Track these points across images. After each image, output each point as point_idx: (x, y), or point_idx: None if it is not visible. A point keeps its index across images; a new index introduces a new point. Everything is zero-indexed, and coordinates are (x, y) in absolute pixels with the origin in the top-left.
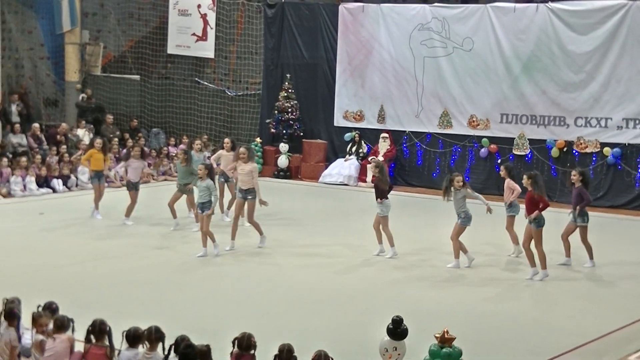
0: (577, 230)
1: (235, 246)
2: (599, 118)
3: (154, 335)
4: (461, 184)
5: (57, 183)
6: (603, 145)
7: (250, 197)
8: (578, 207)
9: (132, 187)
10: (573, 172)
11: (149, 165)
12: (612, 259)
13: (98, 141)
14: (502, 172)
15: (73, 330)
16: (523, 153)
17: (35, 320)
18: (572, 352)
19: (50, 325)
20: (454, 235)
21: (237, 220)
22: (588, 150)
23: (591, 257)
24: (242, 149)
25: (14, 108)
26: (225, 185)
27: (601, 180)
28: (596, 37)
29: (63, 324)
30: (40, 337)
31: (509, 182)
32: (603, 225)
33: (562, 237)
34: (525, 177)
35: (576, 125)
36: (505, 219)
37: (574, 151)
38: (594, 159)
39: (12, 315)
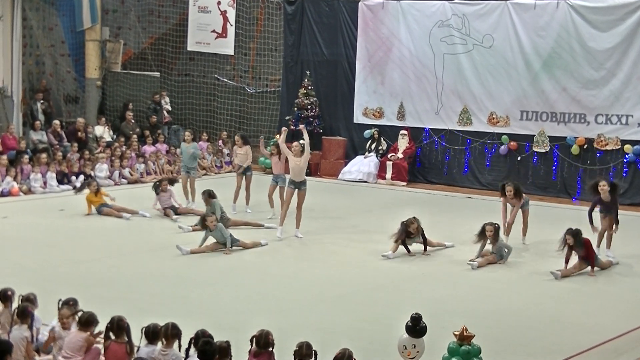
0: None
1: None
2: (620, 115)
3: (170, 332)
4: (492, 233)
5: (77, 180)
6: (623, 142)
7: (303, 187)
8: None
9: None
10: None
11: (169, 162)
12: (632, 256)
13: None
14: (510, 193)
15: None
16: (543, 150)
17: (60, 315)
18: (590, 350)
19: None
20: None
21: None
22: (608, 147)
23: (608, 246)
24: (295, 143)
25: (39, 106)
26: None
27: (621, 178)
28: (617, 34)
29: (87, 321)
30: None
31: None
32: (623, 223)
33: (600, 234)
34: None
35: (596, 123)
36: (522, 212)
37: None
38: (614, 156)
39: (25, 313)
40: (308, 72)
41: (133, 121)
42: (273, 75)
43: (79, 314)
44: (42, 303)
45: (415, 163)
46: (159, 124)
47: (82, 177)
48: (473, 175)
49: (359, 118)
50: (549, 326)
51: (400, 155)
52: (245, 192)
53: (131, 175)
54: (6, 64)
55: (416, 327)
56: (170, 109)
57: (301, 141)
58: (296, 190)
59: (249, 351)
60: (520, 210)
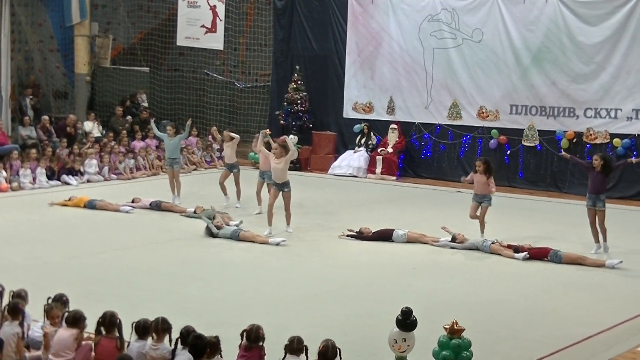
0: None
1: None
2: (609, 109)
3: (161, 326)
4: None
5: (69, 178)
6: (613, 136)
7: (286, 189)
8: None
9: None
10: (595, 157)
11: (159, 157)
12: (623, 250)
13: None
14: (480, 168)
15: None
16: (532, 144)
17: (47, 313)
18: (581, 343)
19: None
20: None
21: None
22: (598, 141)
23: (605, 240)
24: (281, 138)
25: (28, 102)
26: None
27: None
28: (606, 28)
29: (74, 319)
30: (47, 329)
31: (489, 180)
32: (613, 217)
33: (591, 224)
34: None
35: (586, 117)
36: (480, 209)
37: (585, 143)
38: (604, 150)
39: (16, 310)
40: (298, 67)
41: (129, 117)
42: (263, 70)
43: (66, 314)
44: (33, 299)
45: (406, 157)
46: (146, 120)
47: (71, 176)
48: (463, 169)
49: (348, 113)
50: (540, 319)
51: (390, 149)
52: (235, 188)
53: (124, 174)
54: None
55: (406, 321)
56: (146, 105)
57: (291, 136)
58: (280, 192)
59: (239, 345)
60: (480, 206)
